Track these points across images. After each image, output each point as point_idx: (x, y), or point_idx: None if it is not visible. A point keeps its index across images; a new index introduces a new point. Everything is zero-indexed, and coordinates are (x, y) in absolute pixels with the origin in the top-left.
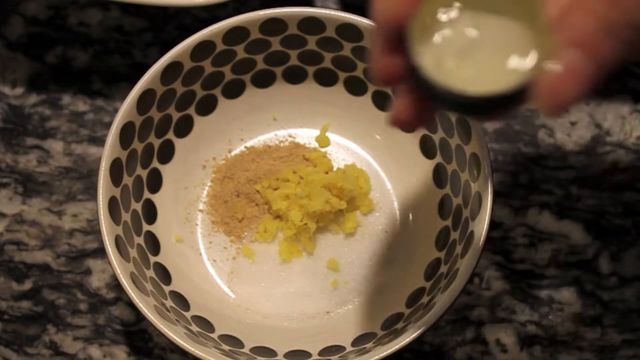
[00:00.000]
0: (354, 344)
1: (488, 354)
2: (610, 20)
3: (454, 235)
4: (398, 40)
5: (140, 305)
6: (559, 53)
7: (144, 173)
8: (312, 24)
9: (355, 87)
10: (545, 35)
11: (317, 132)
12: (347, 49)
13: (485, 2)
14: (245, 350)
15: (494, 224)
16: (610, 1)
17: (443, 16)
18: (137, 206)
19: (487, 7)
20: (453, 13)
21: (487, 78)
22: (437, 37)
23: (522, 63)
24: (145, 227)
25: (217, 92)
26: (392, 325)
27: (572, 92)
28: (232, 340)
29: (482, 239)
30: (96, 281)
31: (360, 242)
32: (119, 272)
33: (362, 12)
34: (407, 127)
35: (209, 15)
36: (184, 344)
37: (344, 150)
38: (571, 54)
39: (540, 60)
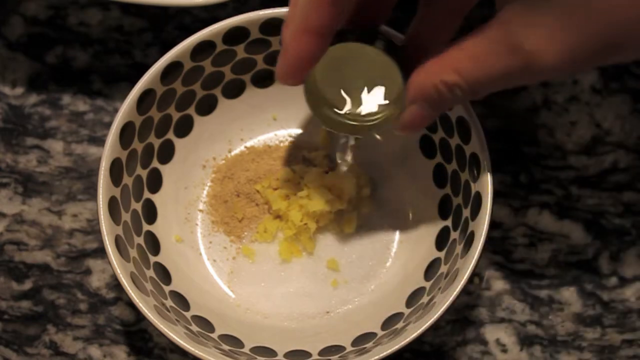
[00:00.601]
0: (354, 344)
1: (488, 354)
2: (442, 93)
3: (454, 235)
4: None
5: (140, 305)
6: (410, 102)
7: (144, 173)
8: None
9: None
10: (402, 91)
11: (317, 132)
12: None
13: (359, 67)
14: (245, 350)
15: (494, 224)
16: (444, 83)
17: (332, 87)
18: (137, 206)
19: (360, 69)
20: (341, 81)
21: (364, 120)
22: (329, 98)
23: (389, 111)
24: (145, 227)
25: (217, 92)
26: (392, 325)
27: (417, 126)
28: (232, 340)
29: (482, 239)
30: (96, 281)
31: (360, 242)
32: (119, 272)
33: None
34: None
35: (209, 15)
36: (184, 344)
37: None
38: (417, 106)
39: (400, 108)
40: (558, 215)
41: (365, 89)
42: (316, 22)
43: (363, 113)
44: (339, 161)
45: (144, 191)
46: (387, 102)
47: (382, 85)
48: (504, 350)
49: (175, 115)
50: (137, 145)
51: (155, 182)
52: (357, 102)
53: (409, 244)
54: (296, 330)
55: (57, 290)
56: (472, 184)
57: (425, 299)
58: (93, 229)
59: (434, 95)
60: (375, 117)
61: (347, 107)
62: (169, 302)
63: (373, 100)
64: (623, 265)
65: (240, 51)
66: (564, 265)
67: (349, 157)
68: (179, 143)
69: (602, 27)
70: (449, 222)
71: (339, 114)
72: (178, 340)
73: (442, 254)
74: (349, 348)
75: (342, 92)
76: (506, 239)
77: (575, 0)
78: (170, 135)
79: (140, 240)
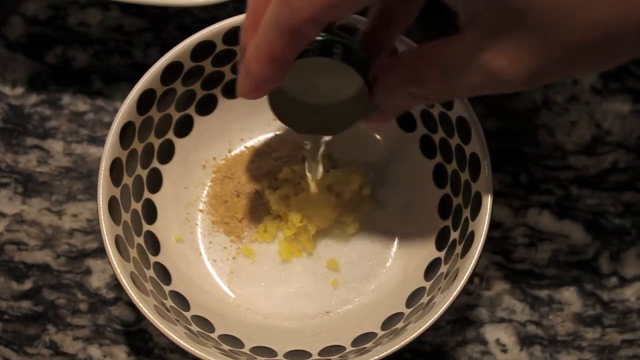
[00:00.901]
0: (354, 344)
1: (488, 354)
2: (406, 100)
3: (454, 235)
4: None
5: (140, 305)
6: (376, 105)
7: (144, 173)
8: None
9: None
10: (364, 91)
11: None
12: None
13: (321, 77)
14: (245, 350)
15: (494, 224)
16: (409, 92)
17: (295, 97)
18: (137, 206)
19: (322, 78)
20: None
21: (331, 125)
22: (293, 105)
23: (354, 111)
24: (145, 227)
25: (217, 92)
26: (392, 325)
27: (383, 124)
28: (232, 340)
29: (482, 239)
30: (96, 281)
31: (360, 242)
32: (119, 272)
33: (360, 12)
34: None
35: (209, 15)
36: (184, 344)
37: (344, 151)
38: (383, 108)
39: (365, 105)
40: (558, 215)
41: (330, 93)
42: (280, 52)
43: (329, 115)
44: (312, 183)
45: (144, 191)
46: (350, 103)
47: (345, 89)
48: (504, 350)
49: (175, 115)
50: (137, 145)
51: (155, 182)
52: (323, 103)
53: (409, 244)
54: (296, 330)
55: (57, 290)
56: (472, 184)
57: (425, 299)
58: (93, 229)
59: (398, 102)
60: (342, 118)
61: (314, 108)
62: (169, 302)
63: (337, 101)
64: (623, 265)
65: None
66: (564, 265)
67: (320, 171)
68: (179, 143)
69: (566, 48)
70: (449, 222)
71: (307, 116)
72: (178, 340)
73: (442, 254)
74: (349, 348)
75: (308, 97)
76: (506, 239)
77: (537, 25)
78: (170, 135)
79: (140, 240)
